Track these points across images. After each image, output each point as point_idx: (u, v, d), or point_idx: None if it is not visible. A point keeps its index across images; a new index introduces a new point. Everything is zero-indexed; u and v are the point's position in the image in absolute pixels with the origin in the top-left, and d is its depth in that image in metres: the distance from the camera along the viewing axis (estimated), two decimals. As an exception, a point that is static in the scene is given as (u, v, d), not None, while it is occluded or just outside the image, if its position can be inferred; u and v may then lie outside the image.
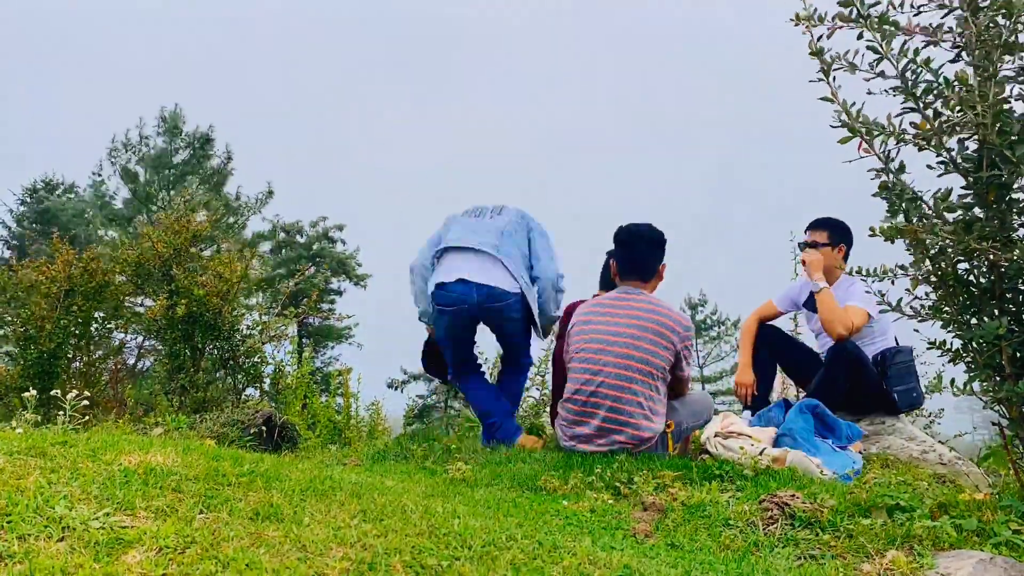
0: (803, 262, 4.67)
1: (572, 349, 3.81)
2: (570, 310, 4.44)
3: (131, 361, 8.22)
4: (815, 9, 2.43)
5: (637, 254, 3.89)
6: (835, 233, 4.64)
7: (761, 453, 3.35)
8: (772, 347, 4.88)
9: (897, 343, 4.69)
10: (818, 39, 2.43)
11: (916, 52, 2.36)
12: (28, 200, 23.73)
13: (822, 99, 2.46)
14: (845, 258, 4.64)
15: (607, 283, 4.46)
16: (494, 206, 4.44)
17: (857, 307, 4.41)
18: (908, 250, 2.52)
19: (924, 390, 4.61)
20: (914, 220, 2.43)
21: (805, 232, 4.77)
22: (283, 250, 25.02)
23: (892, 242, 2.50)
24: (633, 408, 3.55)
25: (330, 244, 26.18)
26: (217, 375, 6.78)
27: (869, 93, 2.43)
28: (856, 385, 4.40)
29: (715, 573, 2.02)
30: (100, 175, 22.72)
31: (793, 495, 2.52)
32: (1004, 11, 2.28)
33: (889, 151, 2.45)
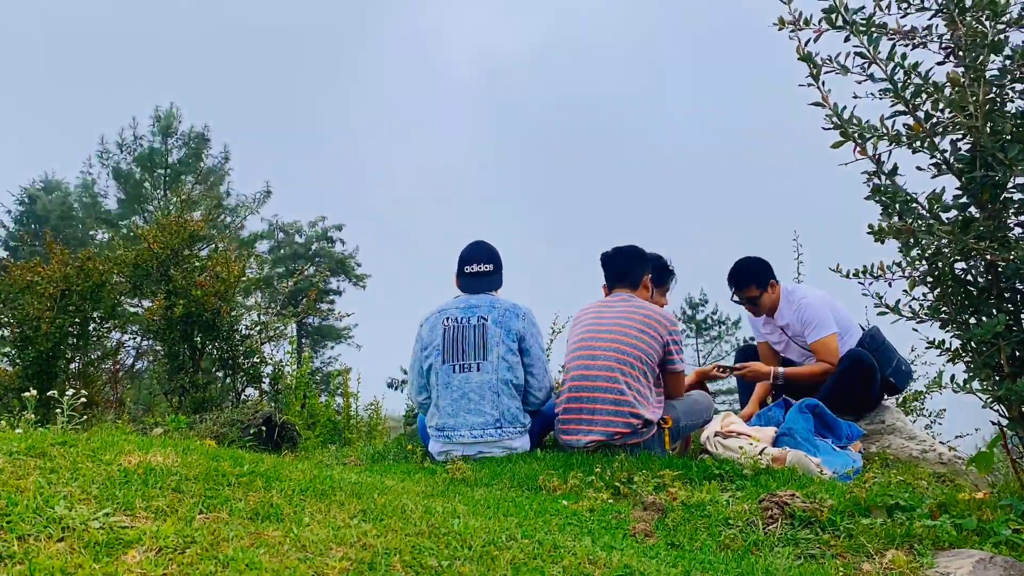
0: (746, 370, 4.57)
1: (568, 348, 3.97)
2: None
3: (129, 361, 8.21)
4: (800, 13, 2.43)
5: (621, 265, 4.14)
6: (760, 279, 4.60)
7: (761, 453, 3.35)
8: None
9: (862, 328, 4.70)
10: (805, 43, 2.43)
11: (904, 57, 2.37)
12: (25, 200, 23.70)
13: (813, 104, 2.46)
14: (777, 290, 4.65)
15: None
16: (478, 320, 3.91)
17: (823, 340, 4.45)
18: (901, 250, 2.52)
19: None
20: (909, 221, 2.43)
21: (731, 290, 4.68)
22: (281, 249, 25.01)
23: (883, 242, 2.51)
24: (626, 393, 3.66)
25: (329, 244, 26.17)
26: (217, 375, 6.78)
27: (855, 96, 2.44)
28: (869, 390, 4.43)
29: (715, 573, 2.02)
30: (91, 174, 22.67)
31: (793, 495, 2.52)
32: (990, 11, 2.29)
33: (880, 154, 2.45)
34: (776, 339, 4.83)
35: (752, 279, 4.60)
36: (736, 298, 4.69)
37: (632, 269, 4.11)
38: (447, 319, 3.96)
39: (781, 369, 4.51)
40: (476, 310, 3.94)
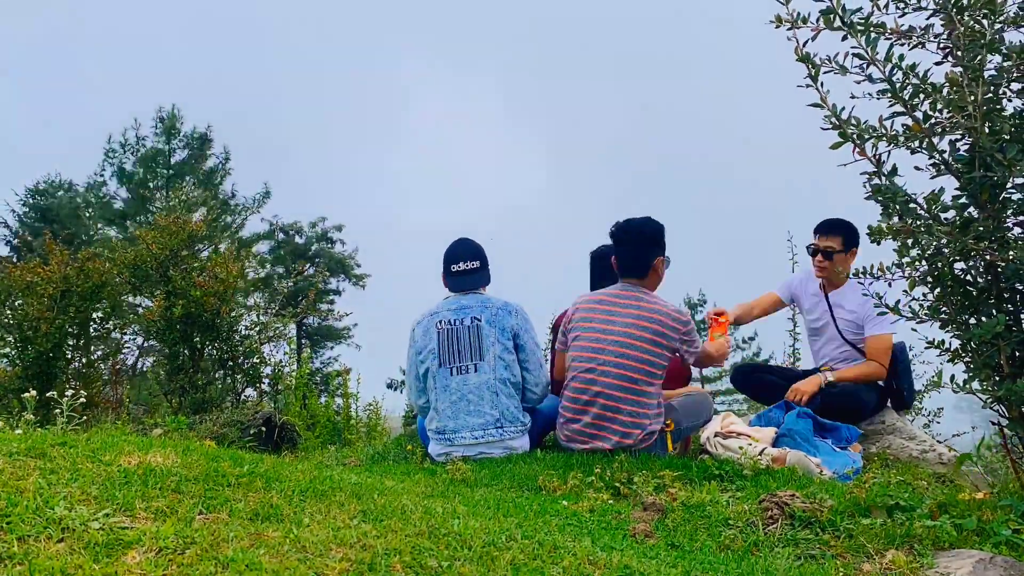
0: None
1: (572, 346, 3.85)
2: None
3: (129, 362, 8.21)
4: (797, 13, 2.42)
5: (630, 251, 3.88)
6: (848, 238, 4.47)
7: (761, 453, 3.35)
8: (744, 383, 4.99)
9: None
10: (803, 44, 2.42)
11: (901, 57, 2.36)
12: (31, 200, 23.68)
13: (811, 105, 2.45)
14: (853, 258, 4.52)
15: (596, 285, 4.45)
16: (471, 321, 3.89)
17: (882, 337, 4.36)
18: (896, 250, 2.52)
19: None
20: (909, 221, 2.43)
21: (815, 235, 4.56)
22: (281, 249, 25.00)
23: (879, 243, 2.51)
24: (628, 407, 3.62)
25: (329, 244, 26.14)
26: (216, 376, 6.78)
27: (853, 97, 2.43)
28: (855, 416, 4.38)
29: (715, 573, 2.02)
30: (101, 175, 22.68)
31: (793, 495, 2.52)
32: (988, 10, 2.29)
33: (881, 154, 2.45)
34: (815, 317, 4.70)
35: (841, 231, 4.47)
36: (813, 244, 4.56)
37: (641, 257, 3.85)
38: (440, 322, 3.91)
39: (830, 375, 4.36)
40: (468, 311, 3.91)
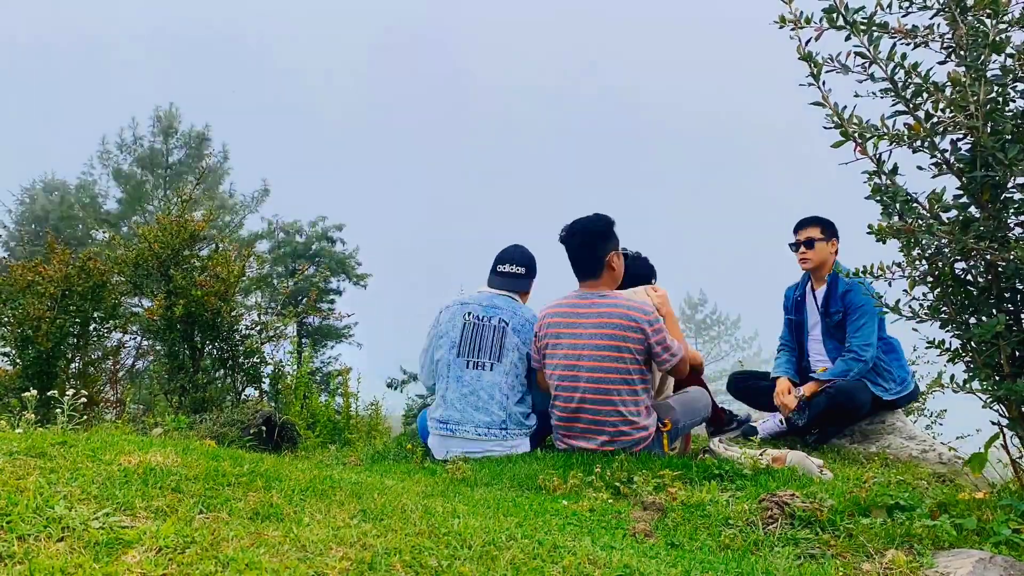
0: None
1: (547, 361, 3.82)
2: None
3: (129, 361, 8.21)
4: (801, 12, 2.42)
5: (577, 252, 3.83)
6: (827, 228, 4.68)
7: (761, 453, 3.35)
8: (740, 390, 5.06)
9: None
10: (806, 43, 2.43)
11: (904, 56, 2.37)
12: (25, 200, 23.70)
13: (813, 104, 2.46)
14: (836, 253, 4.68)
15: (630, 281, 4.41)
16: (499, 322, 3.93)
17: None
18: (901, 250, 2.52)
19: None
20: (909, 221, 2.43)
21: (795, 233, 4.75)
22: (281, 249, 25.02)
23: (884, 242, 2.51)
24: (613, 417, 3.61)
25: (329, 244, 26.15)
26: (216, 375, 6.78)
27: (857, 96, 2.44)
28: (854, 415, 4.48)
29: (715, 572, 2.02)
30: (92, 175, 22.69)
31: (793, 495, 2.52)
32: (991, 10, 2.29)
33: (881, 153, 2.45)
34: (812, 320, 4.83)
35: (820, 223, 4.68)
36: (793, 241, 4.74)
37: (590, 255, 3.75)
38: (468, 314, 3.98)
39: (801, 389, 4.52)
40: (498, 311, 3.98)
